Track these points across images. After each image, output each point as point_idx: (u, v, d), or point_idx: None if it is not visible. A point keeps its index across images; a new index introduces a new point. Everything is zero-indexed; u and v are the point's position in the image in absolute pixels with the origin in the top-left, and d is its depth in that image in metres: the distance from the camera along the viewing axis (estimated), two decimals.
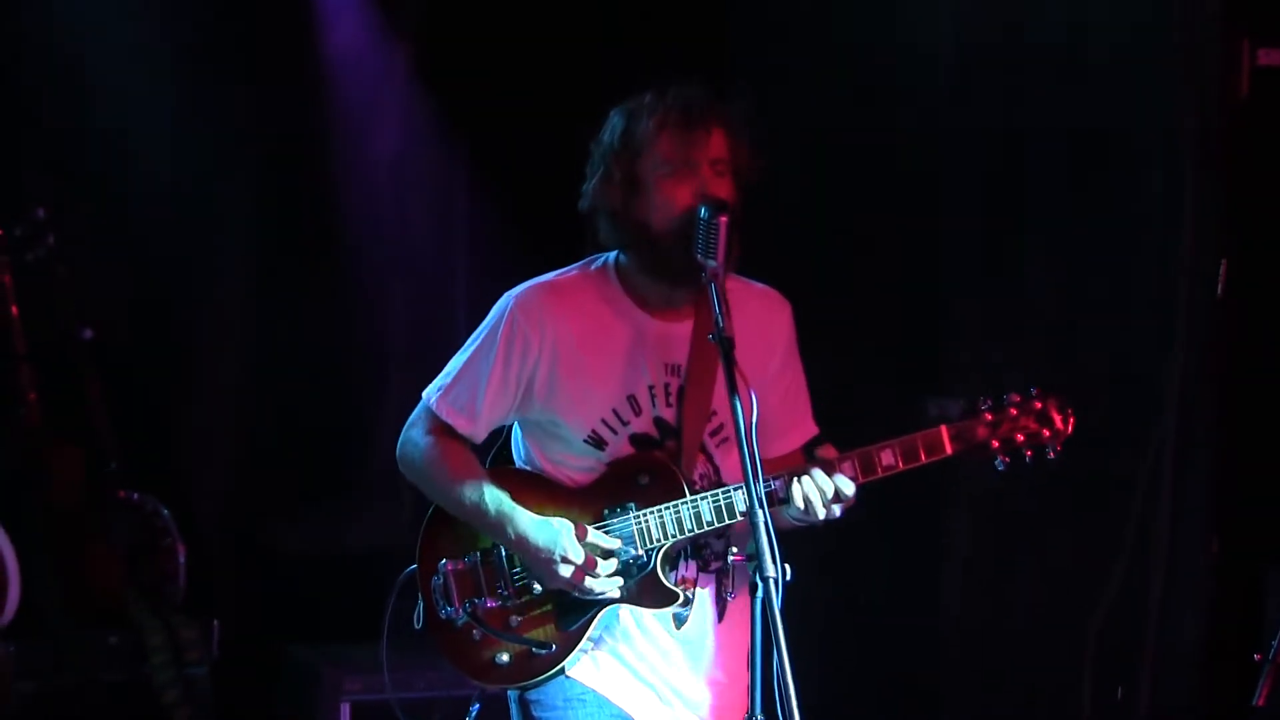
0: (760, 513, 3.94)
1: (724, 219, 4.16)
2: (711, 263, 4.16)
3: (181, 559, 7.38)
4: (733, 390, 4.04)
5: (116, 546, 7.36)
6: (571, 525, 4.30)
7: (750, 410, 4.00)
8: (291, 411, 7.85)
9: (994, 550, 7.05)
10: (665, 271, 4.32)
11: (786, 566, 3.94)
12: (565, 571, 4.27)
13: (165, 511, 7.40)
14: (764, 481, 4.19)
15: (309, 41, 7.81)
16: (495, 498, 4.34)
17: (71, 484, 7.32)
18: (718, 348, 4.12)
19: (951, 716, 7.18)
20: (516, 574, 4.38)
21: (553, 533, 4.29)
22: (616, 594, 4.32)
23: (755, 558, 3.93)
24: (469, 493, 4.36)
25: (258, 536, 7.90)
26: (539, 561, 4.30)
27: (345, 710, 6.87)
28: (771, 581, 3.90)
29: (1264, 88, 6.25)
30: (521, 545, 4.31)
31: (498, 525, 4.33)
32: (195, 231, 7.79)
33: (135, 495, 7.40)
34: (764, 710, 3.96)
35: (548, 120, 7.13)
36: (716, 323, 4.12)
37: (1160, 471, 6.41)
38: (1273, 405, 6.31)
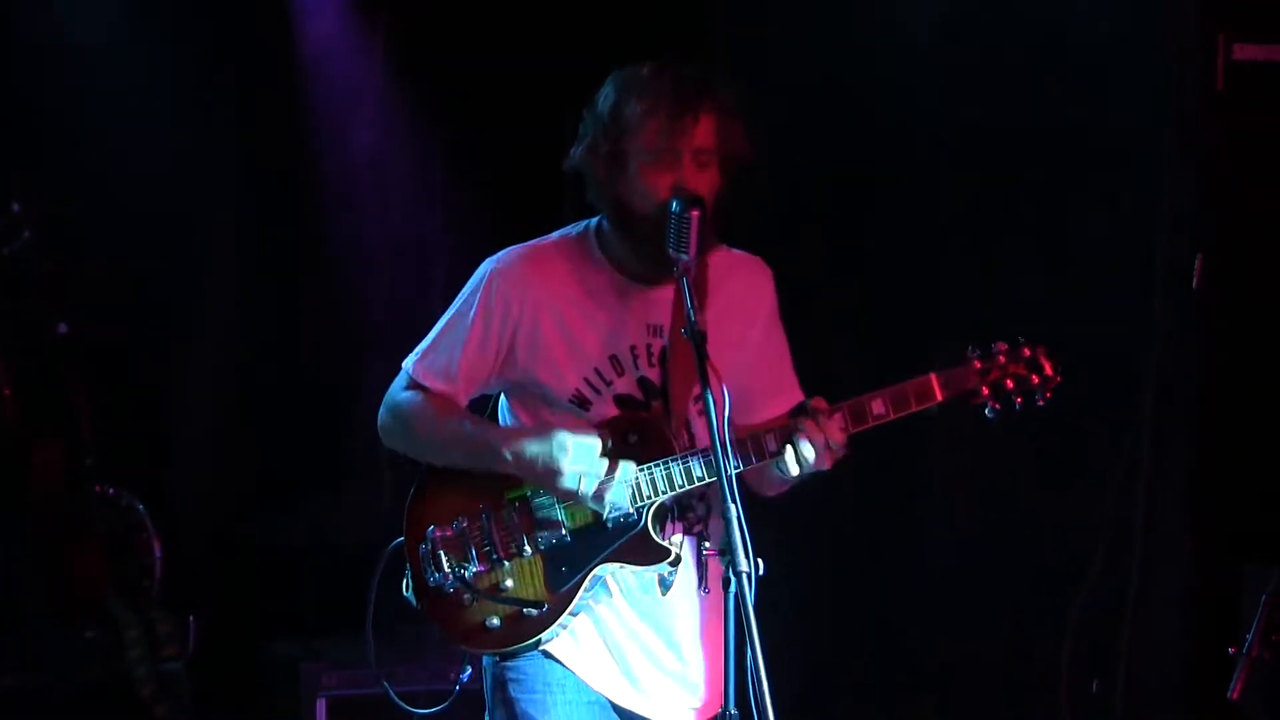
0: (733, 507, 3.93)
1: (695, 214, 4.14)
2: (684, 257, 4.14)
3: (158, 553, 7.38)
4: (705, 387, 4.03)
5: (94, 541, 7.36)
6: (566, 429, 4.25)
7: (723, 406, 3.99)
8: (269, 405, 7.85)
9: (972, 542, 7.07)
10: (641, 254, 4.32)
11: (759, 561, 3.93)
12: (566, 465, 4.21)
13: (141, 506, 7.40)
14: (755, 437, 4.22)
15: (287, 36, 7.81)
16: (484, 424, 4.35)
17: (49, 478, 7.32)
18: (699, 320, 4.09)
19: (930, 710, 7.19)
20: (505, 537, 4.33)
21: (548, 432, 4.24)
22: (625, 505, 4.26)
23: (728, 552, 3.92)
24: (457, 427, 4.34)
25: (235, 530, 7.90)
26: (538, 468, 4.24)
27: (321, 705, 6.87)
28: (744, 576, 3.89)
29: (1240, 82, 6.25)
30: (519, 459, 4.25)
31: (490, 448, 4.29)
32: (174, 225, 7.79)
33: (111, 490, 7.40)
34: (738, 704, 3.95)
35: (525, 112, 7.15)
36: (689, 318, 4.10)
37: (1138, 467, 6.42)
38: (1249, 400, 6.32)
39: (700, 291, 4.28)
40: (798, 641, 6.13)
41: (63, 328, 7.29)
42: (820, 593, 7.11)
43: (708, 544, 4.38)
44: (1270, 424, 6.26)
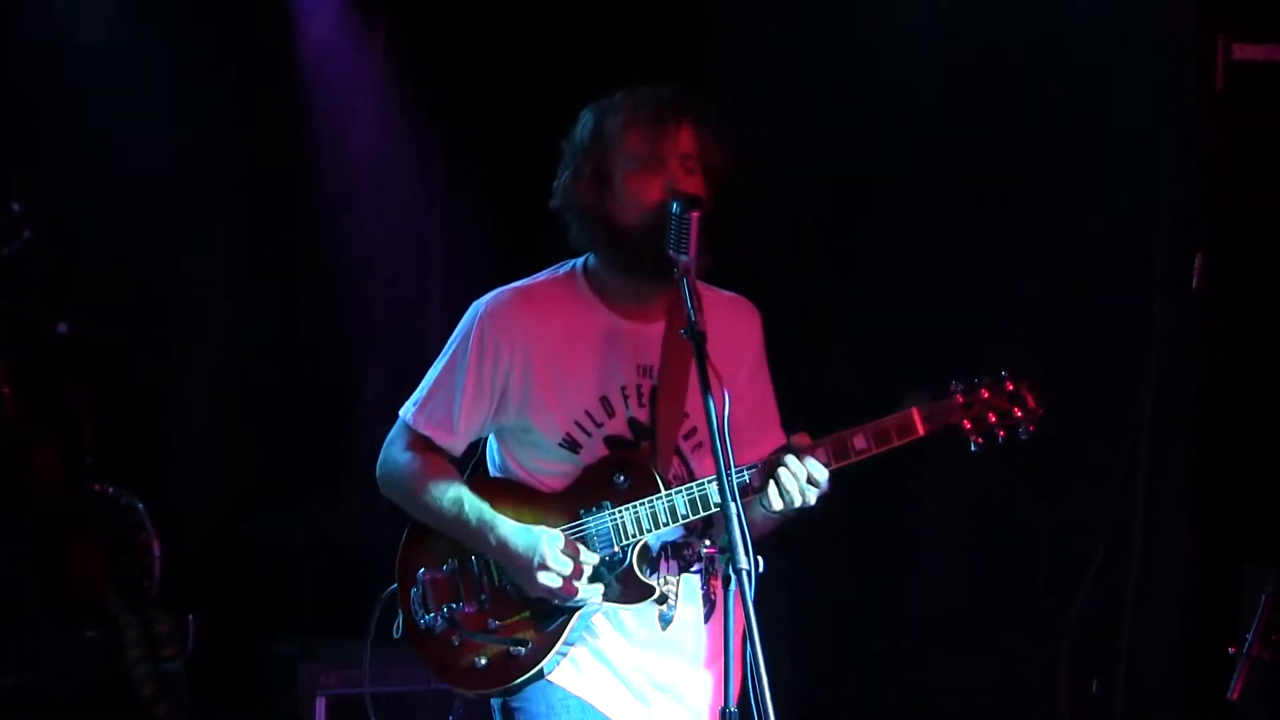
0: (732, 504, 3.94)
1: (695, 214, 4.15)
2: (684, 258, 4.16)
3: (157, 553, 7.38)
4: (705, 384, 4.04)
5: (94, 540, 7.35)
6: (551, 533, 4.31)
7: (723, 403, 4.00)
8: (268, 405, 7.85)
9: (970, 543, 7.06)
10: (636, 268, 4.33)
11: (759, 558, 3.94)
12: (544, 578, 4.28)
13: (141, 506, 7.40)
14: (738, 472, 4.21)
15: (285, 38, 7.81)
16: (476, 506, 4.36)
17: (49, 478, 7.32)
18: (690, 344, 4.11)
19: (928, 711, 7.19)
20: (494, 579, 4.38)
21: (533, 538, 4.29)
22: (596, 600, 4.32)
23: (728, 550, 3.93)
24: (450, 504, 4.38)
25: (234, 530, 7.90)
26: (519, 568, 4.31)
27: (321, 705, 6.88)
28: (744, 573, 3.90)
29: (1240, 82, 6.24)
30: (503, 552, 4.32)
31: (479, 533, 4.34)
32: (174, 225, 7.79)
33: (111, 489, 7.40)
34: (739, 702, 3.95)
35: (522, 116, 7.15)
36: (689, 317, 4.11)
37: (1137, 467, 6.42)
38: (1249, 400, 6.31)
39: (697, 297, 4.29)
40: (794, 655, 6.13)
41: (62, 327, 7.29)
42: (813, 605, 7.11)
43: (706, 543, 4.39)
44: (1270, 424, 6.26)
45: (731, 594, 3.92)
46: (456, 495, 4.38)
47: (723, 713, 3.95)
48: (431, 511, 4.41)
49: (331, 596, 7.25)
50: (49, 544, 7.29)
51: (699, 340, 4.10)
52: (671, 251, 4.16)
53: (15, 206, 7.18)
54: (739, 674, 3.92)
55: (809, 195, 7.38)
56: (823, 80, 7.30)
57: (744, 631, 3.88)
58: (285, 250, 7.91)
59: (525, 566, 4.29)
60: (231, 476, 7.93)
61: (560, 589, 4.28)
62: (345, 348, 7.89)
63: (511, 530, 4.32)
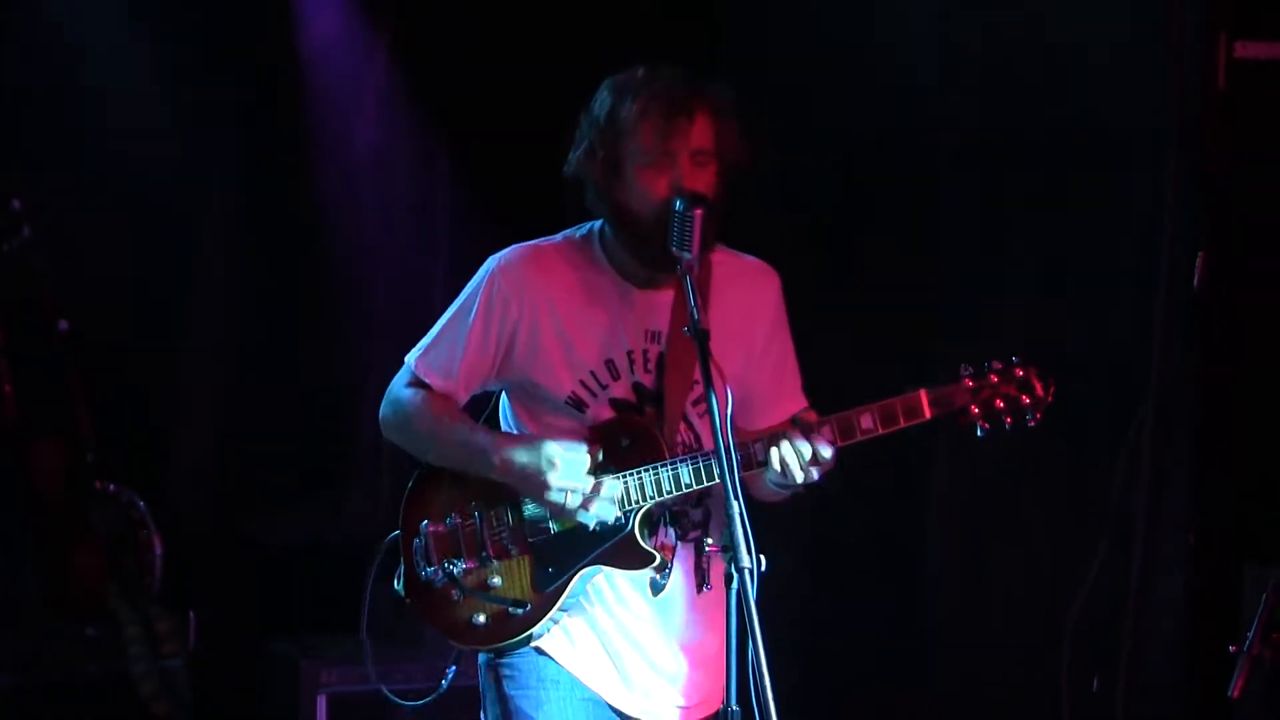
0: (735, 504, 3.95)
1: (699, 212, 4.17)
2: (686, 255, 4.17)
3: (158, 551, 7.38)
4: (708, 382, 4.05)
5: (95, 538, 7.36)
6: (555, 439, 4.31)
7: (725, 402, 4.01)
8: (269, 404, 7.85)
9: (972, 542, 7.06)
10: (641, 257, 4.36)
11: (761, 557, 3.95)
12: (555, 479, 4.26)
13: (142, 503, 7.41)
14: (743, 446, 4.23)
15: (288, 33, 7.81)
16: (478, 429, 4.39)
17: (50, 475, 7.33)
18: (693, 340, 4.12)
19: (928, 710, 7.19)
20: (495, 535, 4.39)
21: (538, 444, 4.30)
22: (609, 520, 4.30)
23: (731, 548, 3.93)
24: (451, 431, 4.39)
25: (235, 528, 7.90)
26: (527, 478, 4.30)
27: (322, 702, 6.88)
28: (746, 572, 3.91)
29: (1242, 80, 6.24)
30: (507, 469, 4.31)
31: (481, 454, 4.35)
32: (175, 223, 7.79)
33: (112, 486, 7.40)
34: (739, 700, 3.96)
35: (527, 109, 7.15)
36: (692, 316, 4.12)
37: (1139, 466, 6.42)
38: (1251, 400, 6.31)
39: (703, 292, 4.32)
40: (794, 647, 6.13)
41: (63, 325, 7.30)
42: (812, 602, 7.12)
43: (709, 541, 4.40)
44: (1272, 423, 6.26)
45: (734, 592, 3.92)
46: (457, 424, 4.40)
47: (725, 710, 3.96)
48: (433, 441, 4.42)
49: (332, 594, 7.24)
50: (49, 542, 7.30)
51: (702, 339, 4.11)
52: (674, 249, 4.18)
53: (15, 204, 7.18)
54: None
55: (809, 196, 7.38)
56: (823, 80, 7.31)
57: (745, 629, 3.88)
58: (287, 249, 7.92)
59: (534, 474, 4.28)
60: (232, 474, 7.94)
61: (574, 488, 4.27)
62: (347, 347, 7.90)
63: (514, 444, 4.33)
